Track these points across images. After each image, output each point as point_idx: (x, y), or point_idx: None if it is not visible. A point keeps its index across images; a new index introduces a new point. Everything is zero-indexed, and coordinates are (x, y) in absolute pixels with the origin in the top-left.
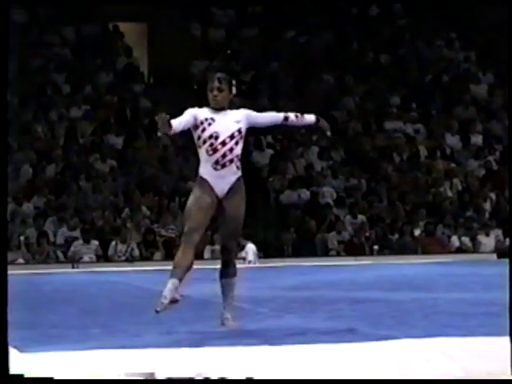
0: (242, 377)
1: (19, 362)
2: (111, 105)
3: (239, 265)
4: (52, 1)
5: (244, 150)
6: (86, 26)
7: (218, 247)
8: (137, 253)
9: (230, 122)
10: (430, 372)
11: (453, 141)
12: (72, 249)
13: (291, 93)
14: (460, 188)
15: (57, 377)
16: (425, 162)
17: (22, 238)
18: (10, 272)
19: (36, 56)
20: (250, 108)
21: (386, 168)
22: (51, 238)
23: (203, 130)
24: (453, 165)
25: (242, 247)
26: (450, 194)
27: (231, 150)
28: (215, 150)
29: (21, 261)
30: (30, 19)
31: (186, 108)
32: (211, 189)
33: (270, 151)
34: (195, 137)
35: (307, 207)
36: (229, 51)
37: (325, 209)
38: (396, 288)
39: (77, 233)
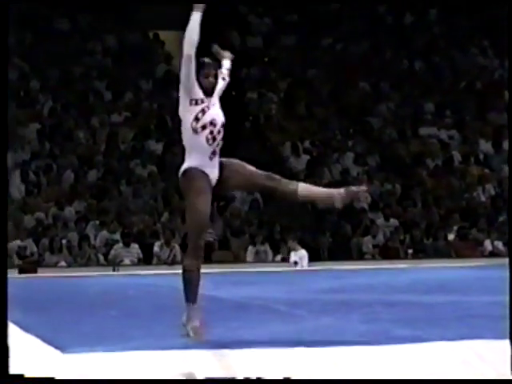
0: (279, 377)
1: (62, 363)
2: (151, 111)
3: (288, 268)
4: (93, 9)
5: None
6: (127, 35)
7: (261, 248)
8: (179, 256)
9: (219, 111)
10: (464, 373)
11: (486, 147)
12: (113, 252)
13: (328, 100)
14: (493, 193)
15: (100, 377)
16: (459, 167)
17: (64, 241)
18: (52, 274)
19: (78, 64)
20: (287, 116)
21: (421, 173)
22: (92, 242)
23: (203, 111)
24: (486, 170)
25: (289, 251)
26: (483, 198)
27: (222, 140)
28: (214, 139)
29: (63, 264)
30: (72, 28)
31: (225, 113)
32: (210, 184)
33: (306, 157)
34: (192, 116)
35: (343, 212)
36: (266, 59)
37: (360, 213)
38: (430, 291)
39: (117, 236)
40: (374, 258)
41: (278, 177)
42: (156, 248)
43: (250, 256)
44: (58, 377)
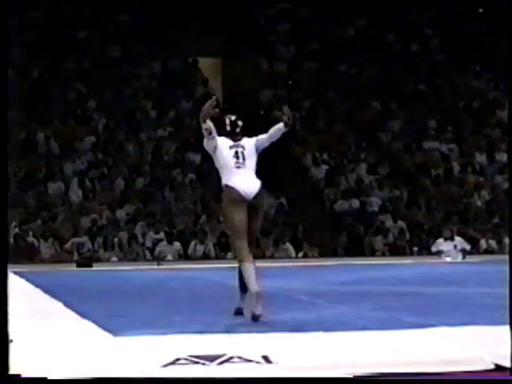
0: (299, 358)
1: (113, 345)
2: (191, 127)
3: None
4: (141, 39)
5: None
6: (170, 61)
7: (286, 246)
8: (213, 252)
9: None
10: (463, 355)
11: (481, 158)
12: (157, 249)
13: (344, 117)
14: (488, 198)
15: (147, 358)
16: (457, 176)
17: (115, 239)
18: (105, 268)
19: (128, 86)
20: (308, 131)
21: (425, 181)
22: (140, 240)
23: None
24: (481, 179)
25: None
26: (479, 203)
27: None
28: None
29: (114, 259)
30: (123, 55)
31: (255, 130)
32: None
33: (325, 167)
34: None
35: (357, 214)
36: (291, 82)
37: (372, 216)
38: (433, 283)
39: (162, 235)
40: (384, 254)
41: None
42: (193, 245)
43: (276, 253)
44: (108, 358)
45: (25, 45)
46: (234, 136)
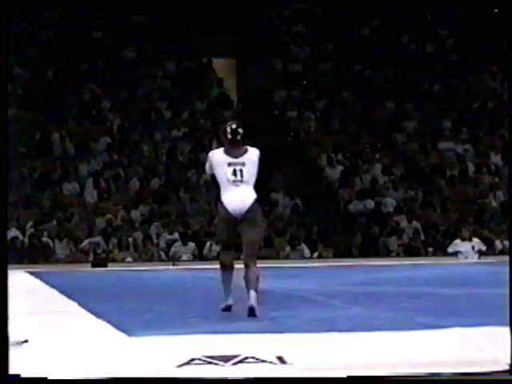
0: (313, 358)
1: (128, 345)
2: (206, 128)
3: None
4: (156, 39)
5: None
6: (184, 61)
7: (301, 246)
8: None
9: None
10: (478, 356)
11: (497, 159)
12: (172, 249)
13: (359, 117)
14: (503, 199)
15: (162, 358)
16: (473, 176)
17: (130, 240)
18: (120, 268)
19: (142, 86)
20: (323, 132)
21: (440, 182)
22: (155, 240)
23: None
24: (497, 179)
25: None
26: (494, 204)
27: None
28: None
29: (129, 259)
30: (137, 55)
31: (268, 129)
32: None
33: (340, 167)
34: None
35: (372, 215)
36: (305, 82)
37: (387, 216)
38: (448, 284)
39: (176, 236)
40: (398, 255)
41: (250, 255)
42: (209, 246)
43: (291, 253)
44: (123, 358)
45: (40, 45)
46: (235, 144)
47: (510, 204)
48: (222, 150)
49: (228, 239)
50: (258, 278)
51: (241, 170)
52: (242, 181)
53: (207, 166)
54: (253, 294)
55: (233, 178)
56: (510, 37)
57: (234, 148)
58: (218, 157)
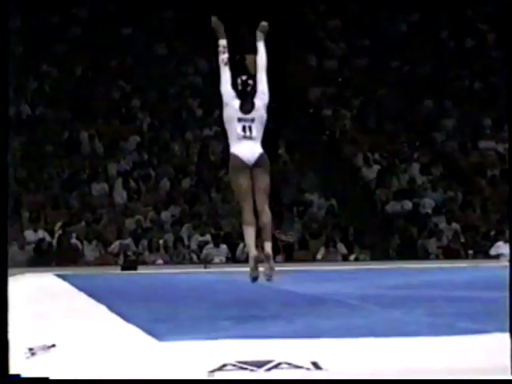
0: (349, 364)
1: (158, 350)
2: None
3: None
4: (187, 35)
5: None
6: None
7: (336, 248)
8: (262, 255)
9: None
10: None
11: None
12: (204, 252)
13: (396, 116)
14: None
15: (192, 363)
16: None
17: (161, 242)
18: (151, 271)
19: (173, 84)
20: (359, 130)
21: (480, 182)
22: (186, 242)
23: None
24: None
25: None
26: None
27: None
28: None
29: (160, 262)
30: (169, 52)
31: (304, 128)
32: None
33: (377, 167)
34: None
35: (410, 216)
36: (341, 79)
37: (425, 218)
38: (489, 288)
39: (208, 237)
40: (437, 257)
41: (263, 202)
42: (241, 248)
43: (326, 255)
44: (153, 364)
45: (68, 42)
46: (245, 97)
47: (509, 204)
48: (238, 102)
49: (247, 187)
50: (270, 223)
51: (250, 127)
52: (250, 137)
53: (222, 56)
54: (268, 243)
55: (242, 133)
56: (510, 37)
57: (245, 101)
58: (231, 109)
